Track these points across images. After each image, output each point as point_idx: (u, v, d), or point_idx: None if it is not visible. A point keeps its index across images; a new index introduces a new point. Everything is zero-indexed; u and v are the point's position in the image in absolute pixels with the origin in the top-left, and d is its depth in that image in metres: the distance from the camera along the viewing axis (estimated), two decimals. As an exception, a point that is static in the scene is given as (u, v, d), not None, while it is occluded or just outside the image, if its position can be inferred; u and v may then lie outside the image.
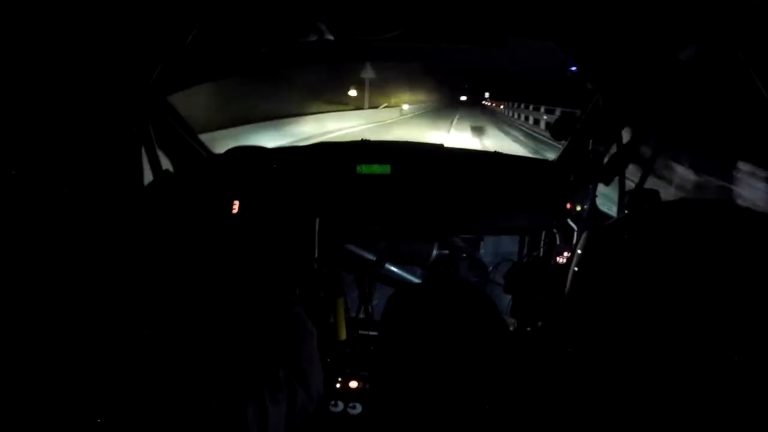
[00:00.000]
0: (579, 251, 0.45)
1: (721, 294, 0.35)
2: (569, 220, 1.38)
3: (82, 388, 0.46)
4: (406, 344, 0.64)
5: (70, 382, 0.47)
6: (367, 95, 14.23)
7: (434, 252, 1.54)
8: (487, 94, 34.80)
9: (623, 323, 0.39)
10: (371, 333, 1.39)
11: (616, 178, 1.20)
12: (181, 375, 0.54)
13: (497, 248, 1.70)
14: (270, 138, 7.00)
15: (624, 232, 0.43)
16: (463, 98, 33.15)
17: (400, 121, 15.41)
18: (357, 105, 13.93)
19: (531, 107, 17.49)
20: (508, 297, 1.61)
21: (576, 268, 0.44)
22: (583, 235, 0.46)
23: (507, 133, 13.57)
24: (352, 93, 14.00)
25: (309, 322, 0.75)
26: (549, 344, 0.52)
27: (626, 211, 1.06)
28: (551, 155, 1.64)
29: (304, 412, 0.63)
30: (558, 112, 11.44)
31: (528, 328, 1.54)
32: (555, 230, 1.47)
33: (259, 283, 0.91)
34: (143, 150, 1.14)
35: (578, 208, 1.36)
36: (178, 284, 0.81)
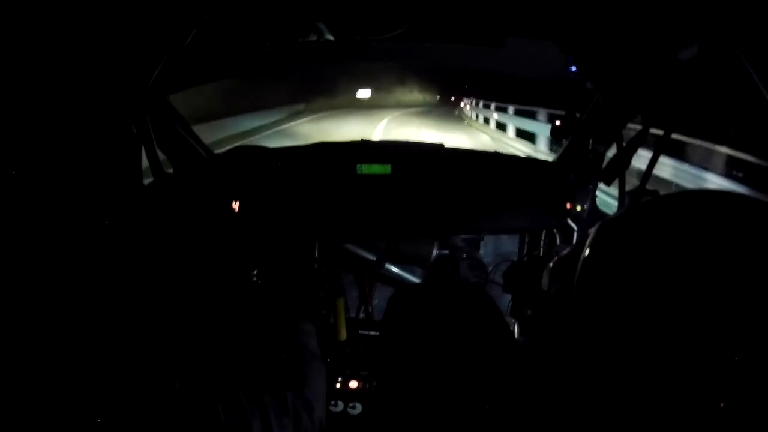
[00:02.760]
0: (586, 249, 0.44)
1: (731, 285, 0.35)
2: (569, 220, 1.38)
3: (84, 391, 0.46)
4: (408, 344, 0.64)
5: (72, 387, 0.47)
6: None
7: (434, 252, 1.54)
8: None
9: (631, 318, 0.38)
10: (371, 333, 1.39)
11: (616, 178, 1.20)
12: (187, 380, 0.54)
13: (497, 248, 1.70)
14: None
15: (627, 226, 0.42)
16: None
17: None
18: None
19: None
20: (508, 297, 1.62)
21: (582, 266, 0.44)
22: (591, 231, 0.45)
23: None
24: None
25: (319, 355, 0.75)
26: (554, 342, 0.51)
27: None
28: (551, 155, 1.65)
29: None
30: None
31: (529, 328, 1.54)
32: (555, 230, 1.47)
33: (274, 304, 0.90)
34: (143, 150, 1.14)
35: (578, 208, 1.36)
36: (181, 287, 0.82)
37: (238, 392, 0.55)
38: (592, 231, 0.45)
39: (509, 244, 1.70)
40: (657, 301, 0.37)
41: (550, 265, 0.59)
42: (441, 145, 1.59)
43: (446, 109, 17.00)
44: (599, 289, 0.42)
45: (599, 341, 0.41)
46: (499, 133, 9.91)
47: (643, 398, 0.37)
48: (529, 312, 1.49)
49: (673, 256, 0.37)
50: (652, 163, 1.00)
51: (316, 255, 1.25)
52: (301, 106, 13.22)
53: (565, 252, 0.63)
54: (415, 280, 1.57)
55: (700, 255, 0.36)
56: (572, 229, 1.38)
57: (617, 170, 1.10)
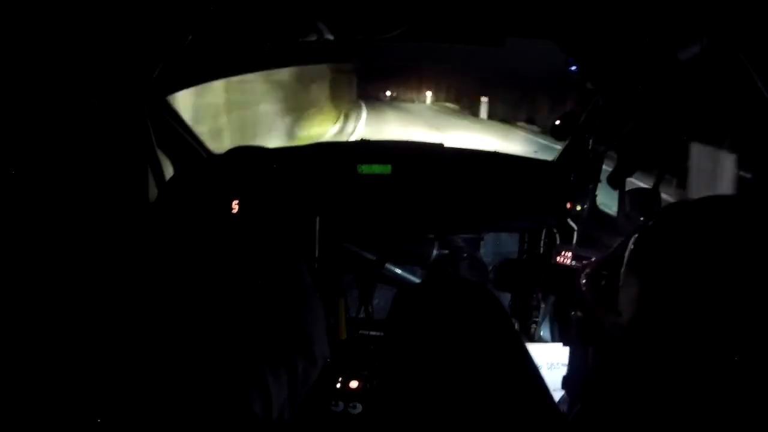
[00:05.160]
0: (628, 259, 0.41)
1: None
2: (569, 220, 1.39)
3: (82, 386, 0.46)
4: (412, 343, 0.64)
5: (70, 380, 0.47)
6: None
7: (434, 252, 1.55)
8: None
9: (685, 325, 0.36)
10: (371, 333, 1.39)
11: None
12: (181, 365, 0.54)
13: (497, 248, 1.70)
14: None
15: (673, 228, 0.40)
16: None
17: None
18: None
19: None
20: (508, 296, 1.62)
21: (626, 280, 0.41)
22: (632, 241, 0.42)
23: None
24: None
25: (316, 293, 0.75)
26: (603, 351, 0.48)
27: (641, 218, 1.04)
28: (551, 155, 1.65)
29: (307, 378, 0.63)
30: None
31: (530, 327, 1.54)
32: (555, 230, 1.47)
33: (268, 255, 0.90)
34: (143, 150, 1.14)
35: (578, 208, 1.37)
36: (179, 282, 0.81)
37: (232, 365, 0.55)
38: (633, 241, 0.42)
39: (509, 243, 1.70)
40: (708, 306, 0.35)
41: (587, 271, 0.56)
42: (441, 145, 1.59)
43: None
44: (649, 289, 0.39)
45: (650, 349, 0.39)
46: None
47: (696, 405, 0.35)
48: (541, 311, 1.49)
49: (721, 260, 0.35)
50: (664, 164, 1.00)
51: (316, 255, 1.25)
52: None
53: (602, 257, 0.60)
54: (415, 280, 1.57)
55: (748, 259, 0.35)
56: (572, 229, 1.38)
57: (624, 174, 1.10)
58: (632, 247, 0.42)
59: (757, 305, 0.33)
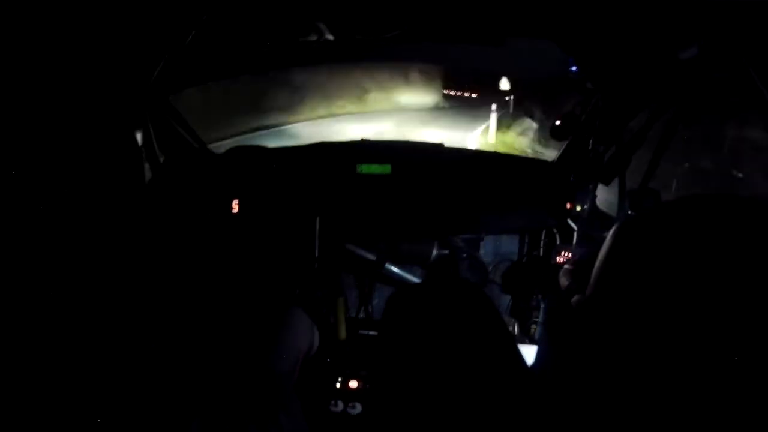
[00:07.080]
0: (606, 246, 0.44)
1: (750, 287, 0.35)
2: (569, 220, 1.38)
3: (82, 389, 0.46)
4: (406, 344, 0.64)
5: (70, 384, 0.47)
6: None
7: (434, 252, 1.55)
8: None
9: (649, 315, 0.38)
10: (371, 333, 1.39)
11: (616, 178, 1.20)
12: (182, 385, 0.54)
13: (497, 248, 1.70)
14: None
15: (649, 226, 0.42)
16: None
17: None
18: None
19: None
20: (508, 297, 1.62)
21: (603, 263, 0.43)
22: (612, 230, 0.45)
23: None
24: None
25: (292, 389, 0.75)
26: (570, 340, 0.51)
27: (629, 212, 1.05)
28: (551, 155, 1.65)
29: None
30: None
31: (529, 327, 1.54)
32: (555, 230, 1.47)
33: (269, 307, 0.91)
34: (143, 150, 1.14)
35: (578, 208, 1.36)
36: (179, 285, 0.82)
37: (231, 402, 0.55)
38: (612, 230, 0.45)
39: (509, 244, 1.70)
40: (674, 299, 0.37)
41: (568, 266, 0.58)
42: (441, 145, 1.59)
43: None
44: (617, 286, 0.41)
45: (614, 337, 0.40)
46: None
47: (658, 394, 0.37)
48: (542, 310, 1.49)
49: (691, 258, 0.37)
50: (654, 162, 1.00)
51: (316, 255, 1.25)
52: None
53: (584, 253, 0.63)
54: (415, 280, 1.57)
55: (717, 256, 0.36)
56: (572, 229, 1.38)
57: (616, 170, 1.10)
58: (611, 240, 0.44)
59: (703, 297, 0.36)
